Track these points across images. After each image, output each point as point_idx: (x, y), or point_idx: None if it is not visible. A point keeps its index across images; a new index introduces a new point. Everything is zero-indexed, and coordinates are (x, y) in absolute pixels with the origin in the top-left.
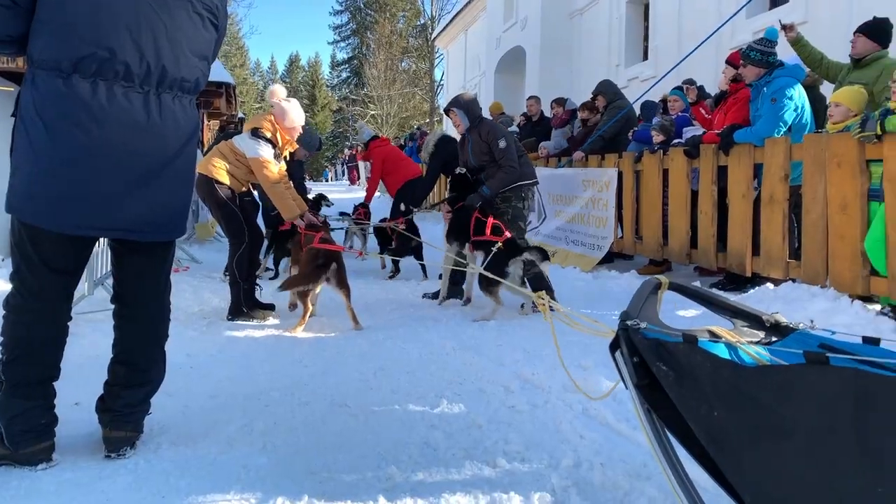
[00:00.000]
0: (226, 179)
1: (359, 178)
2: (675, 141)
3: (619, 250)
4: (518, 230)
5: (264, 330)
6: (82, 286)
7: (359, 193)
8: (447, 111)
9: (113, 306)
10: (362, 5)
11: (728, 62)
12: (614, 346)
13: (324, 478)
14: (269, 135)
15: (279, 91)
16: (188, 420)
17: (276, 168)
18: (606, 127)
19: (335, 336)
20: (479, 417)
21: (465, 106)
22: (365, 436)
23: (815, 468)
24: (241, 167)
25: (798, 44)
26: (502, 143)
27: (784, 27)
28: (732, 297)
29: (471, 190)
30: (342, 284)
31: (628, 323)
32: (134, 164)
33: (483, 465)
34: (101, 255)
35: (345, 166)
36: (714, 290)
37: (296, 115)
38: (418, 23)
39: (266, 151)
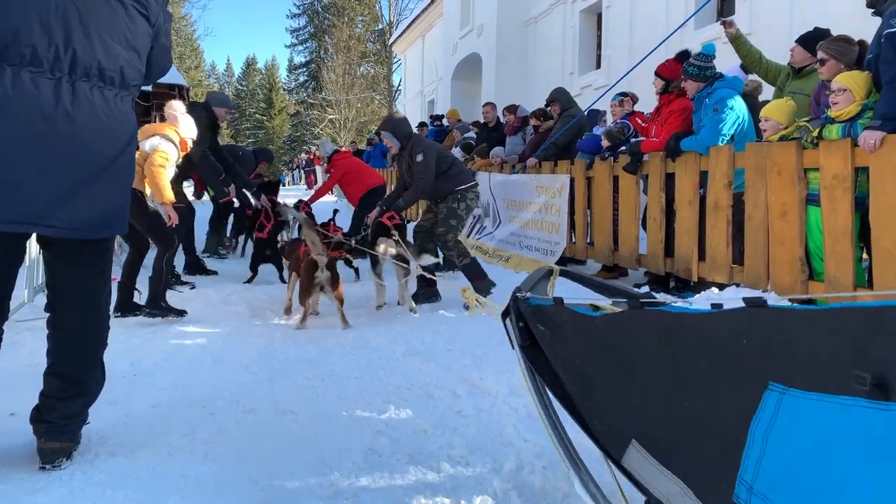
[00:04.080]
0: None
1: (315, 182)
2: (623, 148)
3: (572, 255)
4: (449, 227)
5: (211, 337)
6: (22, 292)
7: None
8: (378, 134)
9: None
10: (320, 9)
11: (657, 73)
12: (505, 315)
13: (265, 486)
14: (177, 140)
15: (180, 106)
16: (128, 429)
17: (171, 163)
18: (559, 134)
19: (284, 342)
20: (425, 423)
21: (392, 128)
22: (310, 443)
23: (642, 391)
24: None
25: (738, 41)
26: (419, 157)
27: (724, 23)
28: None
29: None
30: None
31: (517, 294)
32: (41, 152)
33: (426, 471)
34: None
35: (301, 171)
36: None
37: (193, 126)
38: (376, 28)
39: (169, 148)
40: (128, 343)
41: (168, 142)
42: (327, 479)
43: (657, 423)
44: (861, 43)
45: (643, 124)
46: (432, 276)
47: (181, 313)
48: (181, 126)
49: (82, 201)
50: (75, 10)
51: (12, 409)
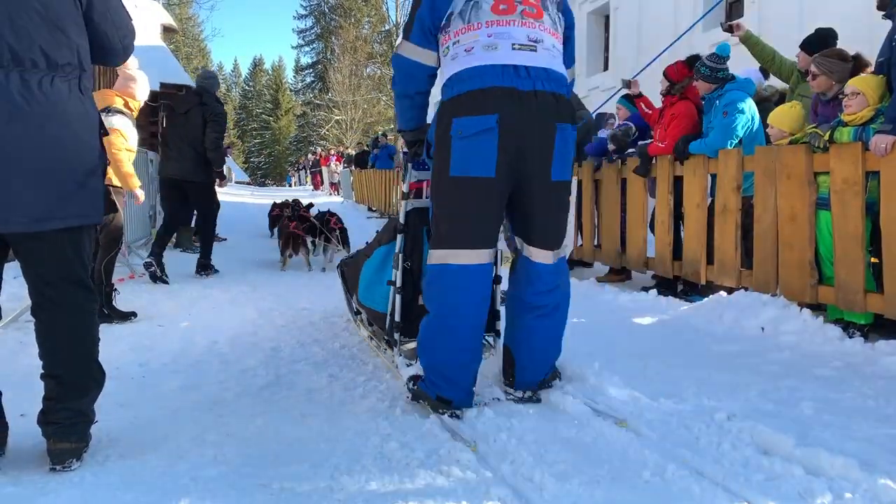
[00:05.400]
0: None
1: (322, 183)
2: (631, 150)
3: (579, 258)
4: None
5: (219, 339)
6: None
7: (321, 199)
8: None
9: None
10: (327, 10)
11: (665, 74)
12: (338, 267)
13: (275, 489)
14: (120, 105)
15: (133, 62)
16: (138, 431)
17: (132, 137)
18: None
19: (290, 345)
20: (434, 426)
21: None
22: (318, 446)
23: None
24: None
25: (749, 41)
26: None
27: (730, 27)
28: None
29: None
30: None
31: (342, 259)
32: None
33: (437, 475)
34: None
35: (308, 171)
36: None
37: (147, 87)
38: (383, 29)
39: (119, 121)
40: (136, 345)
41: (122, 116)
42: (338, 483)
43: (360, 279)
44: (857, 58)
45: (648, 111)
46: None
47: (128, 316)
48: (137, 90)
49: (6, 193)
50: None
51: (22, 410)
